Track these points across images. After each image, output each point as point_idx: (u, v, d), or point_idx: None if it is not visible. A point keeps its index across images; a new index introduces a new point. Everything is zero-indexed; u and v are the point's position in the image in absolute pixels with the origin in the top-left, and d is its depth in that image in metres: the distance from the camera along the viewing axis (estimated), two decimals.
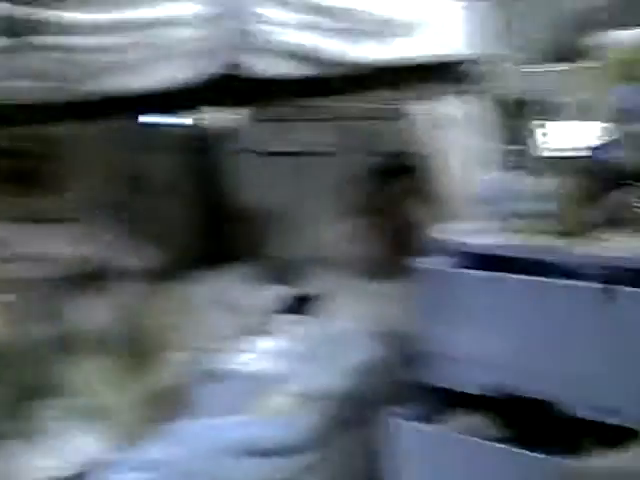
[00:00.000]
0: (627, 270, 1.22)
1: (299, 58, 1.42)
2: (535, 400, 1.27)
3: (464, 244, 1.38)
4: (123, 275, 2.15)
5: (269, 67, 1.36)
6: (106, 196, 2.20)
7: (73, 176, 2.13)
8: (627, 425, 1.18)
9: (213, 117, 1.27)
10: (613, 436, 1.18)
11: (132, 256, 1.98)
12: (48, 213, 1.92)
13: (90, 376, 2.09)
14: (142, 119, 1.87)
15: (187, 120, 1.32)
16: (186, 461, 1.40)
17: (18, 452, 1.82)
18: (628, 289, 1.18)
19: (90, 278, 2.13)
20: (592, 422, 1.22)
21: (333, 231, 2.33)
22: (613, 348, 1.20)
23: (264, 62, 1.35)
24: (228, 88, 1.32)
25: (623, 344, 1.19)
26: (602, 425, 1.21)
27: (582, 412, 1.23)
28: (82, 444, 1.85)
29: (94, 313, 2.13)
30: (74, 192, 2.10)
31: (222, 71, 1.29)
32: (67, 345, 2.12)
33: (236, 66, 1.32)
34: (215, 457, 1.41)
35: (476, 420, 1.33)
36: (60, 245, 1.87)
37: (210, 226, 2.63)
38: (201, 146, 2.49)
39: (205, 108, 1.29)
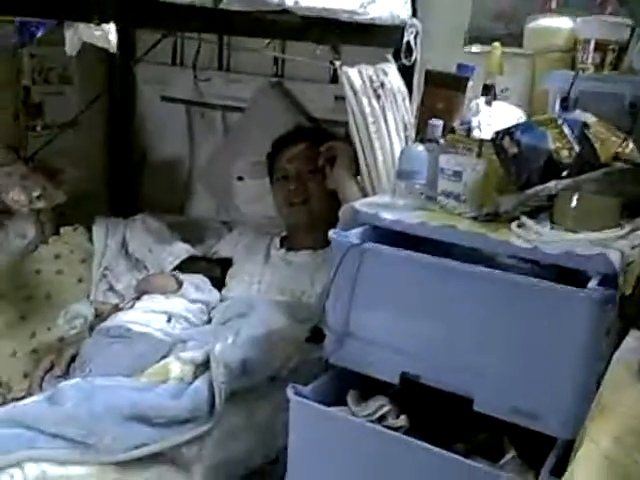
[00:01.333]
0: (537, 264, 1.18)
1: None
2: (448, 393, 1.23)
3: (380, 218, 1.32)
4: (16, 213, 2.02)
5: None
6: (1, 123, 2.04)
7: None
8: (547, 433, 1.16)
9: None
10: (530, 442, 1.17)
11: (25, 193, 1.82)
12: None
13: None
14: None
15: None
16: (64, 420, 1.31)
17: None
18: (543, 284, 1.14)
19: None
20: (511, 424, 1.19)
21: (246, 192, 2.26)
22: (533, 348, 1.16)
23: None
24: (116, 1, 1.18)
25: (543, 344, 1.15)
26: (520, 429, 1.18)
27: (499, 413, 1.19)
28: None
29: None
30: None
31: None
32: None
33: None
34: (93, 419, 1.31)
35: (381, 406, 1.28)
36: None
37: (115, 168, 2.51)
38: (112, 78, 2.35)
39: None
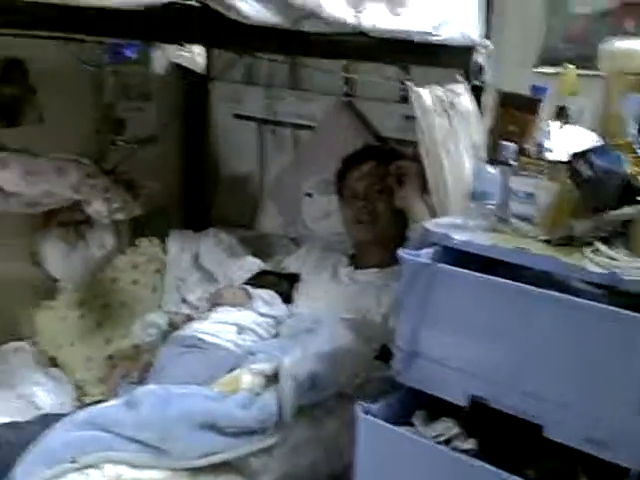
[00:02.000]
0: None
1: (294, 10, 1.33)
2: (517, 418, 1.21)
3: (451, 239, 1.32)
4: (96, 224, 2.11)
5: (255, 13, 1.27)
6: (84, 138, 2.15)
7: (51, 112, 2.07)
8: (618, 462, 1.13)
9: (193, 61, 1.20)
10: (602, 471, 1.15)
11: (107, 204, 1.91)
12: (26, 147, 1.84)
13: (54, 326, 2.07)
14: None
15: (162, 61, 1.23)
16: (140, 424, 1.36)
17: None
18: (618, 311, 1.12)
19: (62, 222, 2.08)
20: (582, 453, 1.17)
21: (314, 209, 2.29)
22: (605, 375, 1.14)
23: (253, 7, 1.26)
24: (203, 24, 1.24)
25: (616, 372, 1.13)
26: (592, 458, 1.16)
27: (569, 440, 1.17)
28: (39, 394, 1.83)
29: (65, 260, 2.10)
30: (51, 129, 2.04)
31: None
32: (35, 290, 2.10)
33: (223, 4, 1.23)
34: (168, 425, 1.36)
35: (449, 428, 1.27)
36: (34, 182, 1.80)
37: (189, 183, 2.59)
38: (188, 95, 2.43)
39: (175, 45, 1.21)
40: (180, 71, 1.29)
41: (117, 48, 1.86)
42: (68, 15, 1.04)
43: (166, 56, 1.19)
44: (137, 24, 1.14)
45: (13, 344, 2.05)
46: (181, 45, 1.14)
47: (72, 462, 1.29)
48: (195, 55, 1.16)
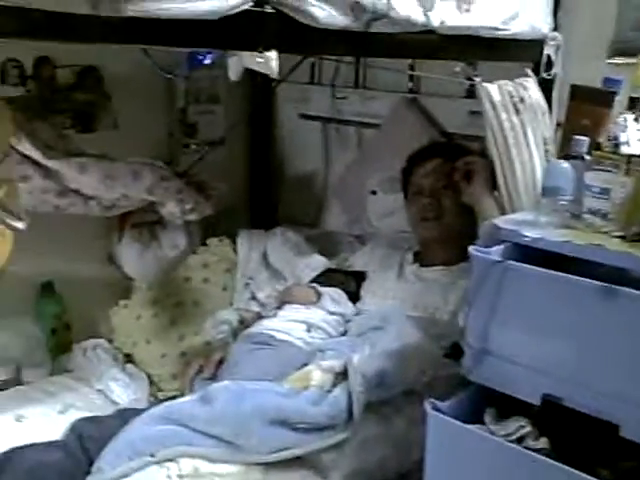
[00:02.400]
0: None
1: (365, 12, 1.33)
2: (592, 417, 1.19)
3: (522, 235, 1.30)
4: (168, 224, 2.17)
5: (327, 17, 1.28)
6: (157, 141, 2.21)
7: (124, 117, 2.14)
8: None
9: (262, 64, 1.22)
10: None
11: (180, 206, 1.97)
12: (101, 152, 1.92)
13: (129, 324, 2.15)
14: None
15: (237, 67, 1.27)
16: (215, 419, 1.40)
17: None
18: None
19: (136, 223, 2.16)
20: None
21: (378, 207, 2.29)
22: None
23: (326, 11, 1.28)
24: (277, 30, 1.26)
25: None
26: None
27: None
28: (115, 389, 1.90)
29: (140, 259, 2.17)
30: (126, 134, 2.11)
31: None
32: (112, 289, 2.19)
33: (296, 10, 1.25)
34: (242, 421, 1.39)
35: (520, 427, 1.26)
36: (112, 185, 1.88)
37: (255, 183, 2.64)
38: (254, 97, 2.47)
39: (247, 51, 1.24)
40: (247, 74, 1.32)
41: (195, 56, 1.92)
42: (147, 27, 1.08)
43: (241, 62, 1.22)
44: (215, 33, 1.17)
45: (92, 341, 2.14)
46: (260, 52, 1.16)
47: (151, 456, 1.34)
48: (269, 60, 1.18)
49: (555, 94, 1.84)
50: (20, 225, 1.34)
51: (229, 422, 1.39)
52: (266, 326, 1.79)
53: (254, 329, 1.79)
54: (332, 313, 1.85)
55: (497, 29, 1.63)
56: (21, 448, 1.46)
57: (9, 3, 0.94)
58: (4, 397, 1.83)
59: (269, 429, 1.38)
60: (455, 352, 1.36)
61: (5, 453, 1.44)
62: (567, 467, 1.18)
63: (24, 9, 0.96)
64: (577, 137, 1.43)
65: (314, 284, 1.95)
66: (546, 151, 1.74)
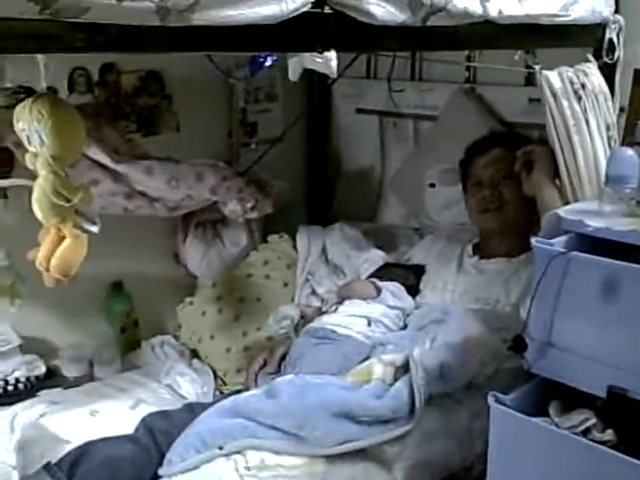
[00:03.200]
0: None
1: (423, 7, 1.33)
2: None
3: (586, 225, 1.28)
4: (230, 222, 2.22)
5: (385, 14, 1.29)
6: (217, 142, 2.26)
7: (186, 119, 2.19)
8: None
9: (318, 63, 1.24)
10: None
11: (241, 204, 2.02)
12: (164, 154, 1.98)
13: (194, 320, 2.21)
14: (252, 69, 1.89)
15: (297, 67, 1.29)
16: (280, 413, 1.43)
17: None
18: None
19: (199, 222, 2.22)
20: None
21: (437, 199, 2.28)
22: None
23: (384, 8, 1.28)
24: (336, 30, 1.27)
25: None
26: None
27: None
28: (182, 384, 1.96)
29: (204, 258, 2.23)
30: (187, 135, 2.17)
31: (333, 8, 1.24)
32: (178, 287, 2.26)
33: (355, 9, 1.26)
34: (306, 414, 1.42)
35: (585, 419, 1.25)
36: (177, 186, 1.93)
37: (313, 179, 2.66)
38: (311, 94, 2.50)
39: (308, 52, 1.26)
40: (304, 72, 1.34)
41: (257, 58, 1.95)
42: (211, 34, 1.11)
43: (301, 63, 1.24)
44: (276, 36, 1.19)
45: (159, 338, 2.21)
46: (320, 52, 1.18)
47: (220, 448, 1.38)
48: (329, 60, 1.20)
49: (618, 79, 1.79)
50: (94, 228, 1.41)
51: (294, 415, 1.41)
52: (327, 321, 1.81)
53: (315, 324, 1.82)
54: (392, 307, 1.86)
55: (557, 15, 1.59)
56: (95, 442, 1.52)
57: (88, 20, 0.99)
58: (78, 393, 1.91)
59: (333, 422, 1.40)
60: (518, 345, 1.34)
61: (80, 446, 1.51)
62: (634, 459, 1.15)
63: (100, 25, 1.01)
64: None
65: (373, 279, 1.96)
66: (609, 138, 1.70)
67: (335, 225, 2.30)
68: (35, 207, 1.35)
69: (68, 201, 1.32)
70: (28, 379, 1.91)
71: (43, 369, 1.95)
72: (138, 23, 1.04)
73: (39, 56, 1.29)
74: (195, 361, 2.16)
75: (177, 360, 2.11)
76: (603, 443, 1.23)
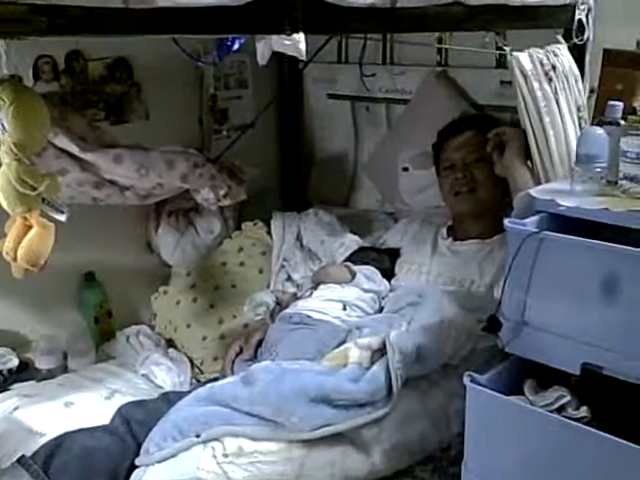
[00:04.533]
0: None
1: None
2: (633, 385, 1.19)
3: (558, 205, 1.29)
4: (203, 210, 2.20)
5: None
6: (187, 129, 2.23)
7: (155, 107, 2.16)
8: None
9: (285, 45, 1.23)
10: None
11: (214, 191, 1.99)
12: (134, 142, 1.95)
13: (169, 309, 2.19)
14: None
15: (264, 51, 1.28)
16: (256, 399, 1.42)
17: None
18: None
19: (172, 210, 2.19)
20: None
21: (410, 183, 2.28)
22: None
23: None
24: (304, 11, 1.25)
25: None
26: None
27: None
28: (158, 373, 1.94)
29: (177, 246, 2.20)
30: (157, 123, 2.14)
31: None
32: (151, 276, 2.23)
33: None
34: (282, 399, 1.42)
35: (560, 397, 1.26)
36: (147, 174, 1.91)
37: (286, 165, 2.64)
38: (281, 80, 2.48)
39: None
40: (274, 57, 1.33)
41: (224, 42, 1.92)
42: (176, 17, 1.09)
43: (269, 46, 1.22)
44: (242, 18, 1.18)
45: (134, 328, 2.18)
46: (288, 35, 1.17)
47: (197, 436, 1.38)
48: (297, 42, 1.18)
49: (588, 60, 1.80)
50: (62, 217, 1.38)
51: (271, 401, 1.41)
52: (303, 306, 1.81)
53: (291, 310, 1.81)
54: (367, 291, 1.86)
55: None
56: (71, 433, 1.50)
57: (51, 2, 0.97)
58: (52, 385, 1.89)
59: (310, 407, 1.40)
60: (492, 325, 1.35)
61: (56, 438, 1.49)
62: (609, 435, 1.17)
63: (63, 7, 0.99)
64: (611, 102, 1.40)
65: (348, 263, 1.96)
66: (580, 118, 1.71)
67: (309, 211, 2.29)
68: (0, 196, 1.32)
69: (34, 189, 1.30)
70: (0, 372, 1.88)
71: (16, 362, 1.92)
72: (101, 5, 1.02)
73: (0, 42, 1.25)
74: (171, 350, 2.14)
75: (153, 350, 2.09)
76: (578, 420, 1.25)
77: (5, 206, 1.34)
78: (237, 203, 2.16)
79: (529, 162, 1.69)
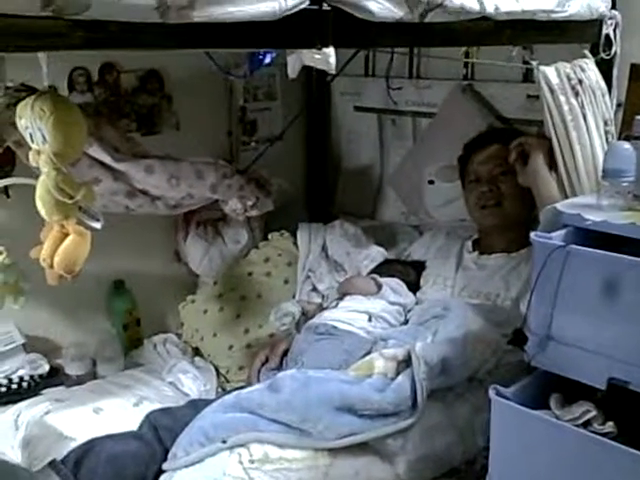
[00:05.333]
0: None
1: (421, 4, 1.35)
2: None
3: (585, 219, 1.29)
4: (230, 221, 2.23)
5: (383, 10, 1.30)
6: (217, 140, 2.27)
7: (185, 118, 2.20)
8: None
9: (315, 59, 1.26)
10: None
11: (242, 202, 2.02)
12: (164, 152, 1.99)
13: (196, 318, 2.22)
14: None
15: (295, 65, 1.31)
16: (282, 407, 1.44)
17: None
18: None
19: (200, 220, 2.22)
20: None
21: (436, 196, 2.29)
22: None
23: (381, 4, 1.29)
24: (334, 26, 1.28)
25: None
26: None
27: None
28: (185, 381, 1.96)
29: (205, 256, 2.23)
30: (187, 134, 2.18)
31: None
32: (179, 285, 2.26)
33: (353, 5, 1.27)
34: (308, 408, 1.43)
35: (586, 411, 1.26)
36: (178, 185, 1.94)
37: (313, 177, 2.67)
38: (309, 92, 2.51)
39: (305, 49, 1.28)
40: (303, 70, 1.36)
41: (255, 56, 1.96)
42: (210, 31, 1.12)
43: (300, 60, 1.25)
44: (274, 33, 1.21)
45: (161, 336, 2.22)
46: (318, 49, 1.20)
47: (223, 442, 1.40)
48: (327, 56, 1.21)
49: (615, 74, 1.80)
50: (97, 225, 1.42)
51: (296, 409, 1.43)
52: (328, 317, 1.82)
53: (317, 320, 1.83)
54: (393, 303, 1.87)
55: (553, 11, 1.61)
56: (100, 438, 1.53)
57: (89, 17, 1.00)
58: (82, 391, 1.92)
59: (335, 415, 1.42)
60: (518, 338, 1.35)
61: (86, 443, 1.53)
62: (635, 451, 1.16)
63: (100, 22, 1.03)
64: (639, 117, 1.40)
65: (374, 275, 1.97)
66: (607, 133, 1.71)
67: (335, 222, 2.31)
68: (38, 204, 1.36)
69: (71, 198, 1.33)
70: (32, 378, 1.91)
71: (46, 368, 1.96)
72: (138, 20, 1.05)
73: (40, 54, 1.29)
74: (197, 359, 2.17)
75: (179, 358, 2.12)
76: (604, 435, 1.24)
77: (43, 214, 1.37)
78: (264, 214, 2.19)
79: (553, 173, 1.68)
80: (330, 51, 1.23)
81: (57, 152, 1.30)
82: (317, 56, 1.22)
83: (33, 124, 1.31)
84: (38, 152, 1.33)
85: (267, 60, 1.95)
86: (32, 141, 1.35)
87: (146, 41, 1.10)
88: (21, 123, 1.36)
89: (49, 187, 1.31)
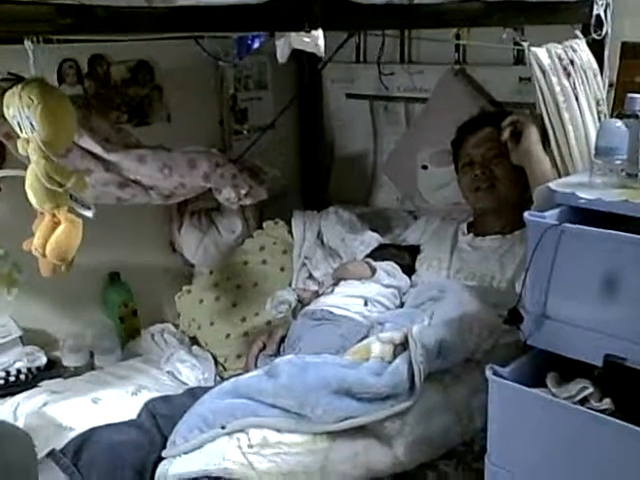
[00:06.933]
0: None
1: None
2: None
3: (578, 198, 1.29)
4: (225, 210, 2.22)
5: None
6: (208, 130, 2.26)
7: (177, 109, 2.19)
8: None
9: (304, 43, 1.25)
10: None
11: (235, 191, 2.02)
12: (156, 143, 1.98)
13: (193, 308, 2.22)
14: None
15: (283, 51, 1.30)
16: (280, 392, 1.44)
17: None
18: None
19: (194, 210, 2.22)
20: None
21: (430, 181, 2.29)
22: None
23: None
24: (323, 8, 1.27)
25: None
26: None
27: None
28: (183, 370, 1.97)
29: (200, 245, 2.23)
30: (179, 125, 2.17)
31: None
32: (175, 276, 2.27)
33: None
34: (306, 392, 1.43)
35: (583, 388, 1.26)
36: (170, 174, 1.94)
37: (307, 165, 2.66)
38: (300, 80, 2.50)
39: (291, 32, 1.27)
40: (293, 57, 1.35)
41: (244, 41, 1.95)
42: (197, 15, 1.12)
43: (289, 43, 1.24)
44: (262, 16, 1.20)
45: (158, 326, 2.22)
46: (307, 32, 1.19)
47: (222, 427, 1.40)
48: (316, 39, 1.20)
49: (606, 54, 1.80)
50: (89, 213, 1.41)
51: (295, 394, 1.43)
52: (324, 302, 1.82)
53: (313, 306, 1.83)
54: (387, 286, 1.87)
55: None
56: (99, 428, 1.54)
57: (76, 2, 0.99)
58: (80, 381, 1.93)
59: (333, 399, 1.42)
60: (513, 317, 1.36)
61: (85, 432, 1.53)
62: (632, 426, 1.17)
63: (87, 6, 1.02)
64: (630, 95, 1.40)
65: (368, 259, 1.97)
66: (599, 113, 1.71)
67: (330, 209, 2.31)
68: (29, 193, 1.36)
69: (61, 186, 1.33)
70: (29, 370, 1.92)
71: (44, 360, 1.97)
72: (125, 5, 1.04)
73: (27, 43, 1.28)
74: (195, 348, 2.17)
75: (177, 347, 2.13)
76: (601, 412, 1.25)
77: (34, 203, 1.37)
78: (258, 203, 2.19)
79: (547, 151, 1.68)
80: (319, 34, 1.22)
81: (46, 140, 1.30)
82: (306, 39, 1.22)
83: (21, 113, 1.30)
84: (27, 141, 1.32)
85: (256, 45, 1.94)
86: (20, 130, 1.34)
87: (132, 26, 1.10)
88: (9, 112, 1.34)
89: (39, 175, 1.30)
